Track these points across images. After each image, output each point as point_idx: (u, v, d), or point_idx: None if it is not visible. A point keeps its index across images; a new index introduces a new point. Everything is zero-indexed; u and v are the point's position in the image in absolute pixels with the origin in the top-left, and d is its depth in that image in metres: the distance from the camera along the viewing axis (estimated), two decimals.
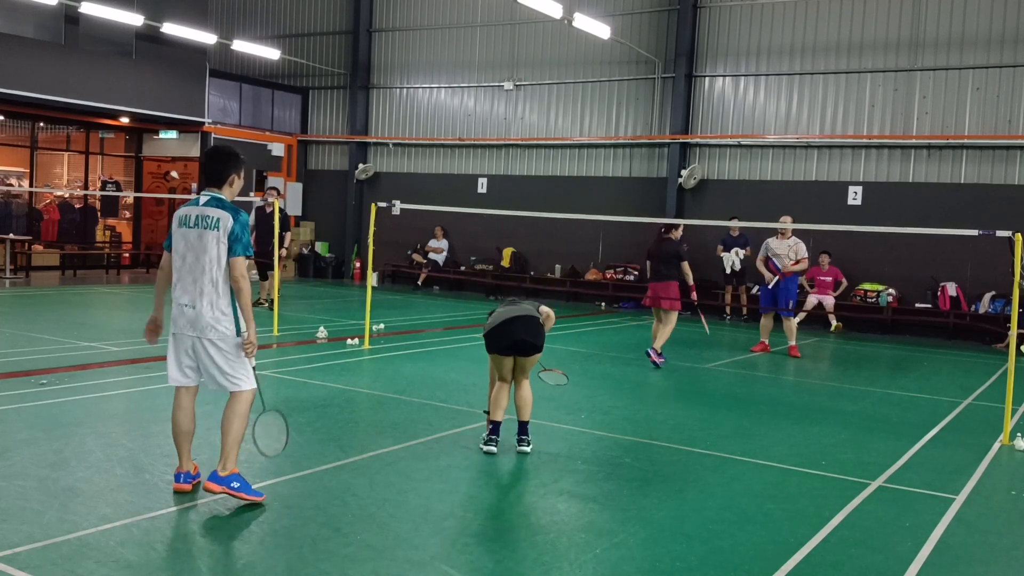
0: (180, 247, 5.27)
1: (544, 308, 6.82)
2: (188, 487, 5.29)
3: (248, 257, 5.29)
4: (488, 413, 6.83)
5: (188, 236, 5.24)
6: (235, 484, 5.18)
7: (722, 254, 16.96)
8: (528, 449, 6.62)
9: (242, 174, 5.46)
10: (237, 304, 5.27)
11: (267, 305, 14.04)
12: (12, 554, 4.28)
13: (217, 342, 5.19)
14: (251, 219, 11.69)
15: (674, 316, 11.20)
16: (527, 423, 6.71)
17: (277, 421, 5.56)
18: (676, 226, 11.58)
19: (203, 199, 5.31)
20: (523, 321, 6.57)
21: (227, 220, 5.19)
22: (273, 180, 22.50)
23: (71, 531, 4.60)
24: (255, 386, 5.34)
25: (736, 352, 12.93)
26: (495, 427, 6.66)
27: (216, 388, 5.31)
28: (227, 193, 5.38)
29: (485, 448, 6.60)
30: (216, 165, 5.38)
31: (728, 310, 17.71)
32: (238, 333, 5.24)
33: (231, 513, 5.09)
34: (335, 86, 24.04)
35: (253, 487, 5.28)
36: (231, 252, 5.20)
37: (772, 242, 12.56)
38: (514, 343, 6.53)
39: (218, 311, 5.18)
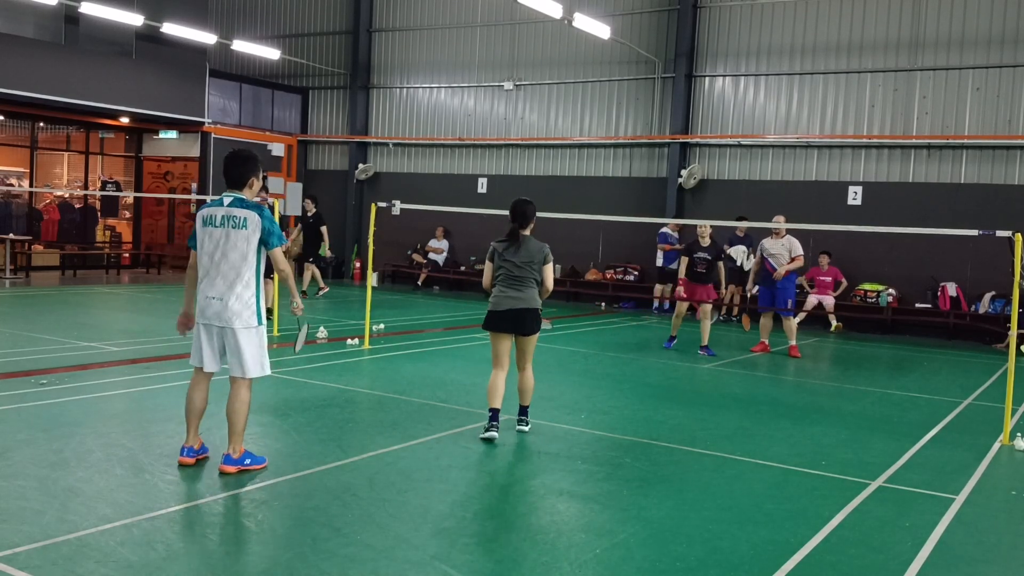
0: (207, 245, 5.66)
1: (547, 280, 7.16)
2: (192, 460, 5.73)
3: (283, 245, 5.78)
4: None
5: (214, 234, 5.64)
6: (247, 460, 5.77)
7: (731, 249, 16.84)
8: (527, 429, 7.02)
9: (260, 176, 5.87)
10: (287, 286, 5.98)
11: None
12: (12, 554, 4.28)
13: (241, 330, 5.63)
14: None
15: (700, 309, 12.46)
16: (527, 407, 7.17)
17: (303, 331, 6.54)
18: (699, 228, 12.72)
19: (227, 200, 5.70)
20: (527, 314, 6.98)
21: (255, 218, 5.63)
22: (273, 180, 22.50)
23: (71, 531, 4.60)
24: (261, 374, 5.76)
25: (736, 352, 12.93)
26: (494, 414, 6.92)
27: (236, 373, 5.71)
28: (247, 194, 5.80)
29: (485, 435, 6.84)
30: (237, 168, 5.78)
31: (733, 309, 17.66)
32: (259, 323, 5.71)
33: (231, 513, 5.11)
34: (335, 86, 24.04)
35: (254, 467, 5.83)
36: (268, 245, 5.73)
37: (767, 242, 12.57)
38: (512, 326, 6.98)
39: (243, 303, 5.62)
